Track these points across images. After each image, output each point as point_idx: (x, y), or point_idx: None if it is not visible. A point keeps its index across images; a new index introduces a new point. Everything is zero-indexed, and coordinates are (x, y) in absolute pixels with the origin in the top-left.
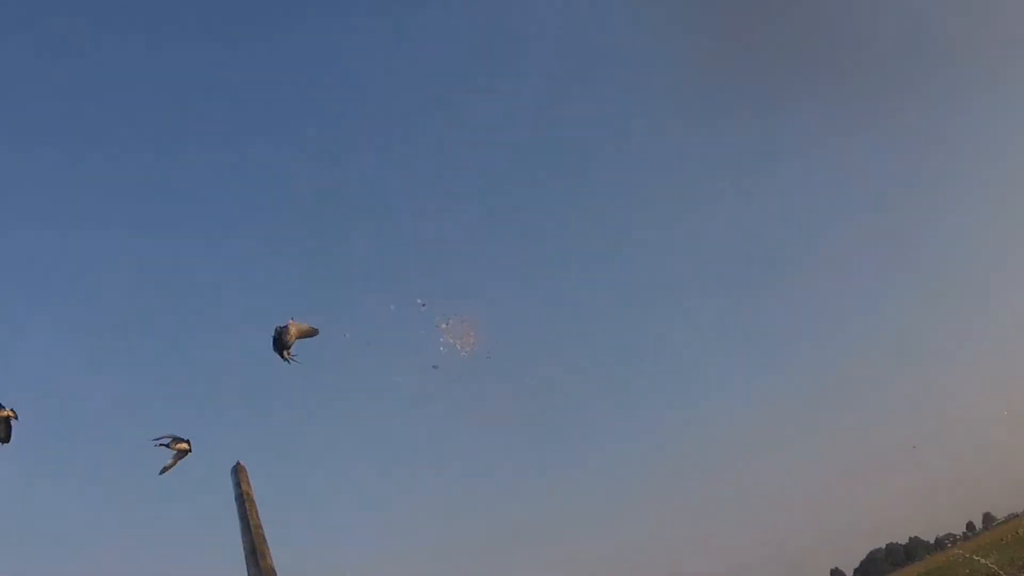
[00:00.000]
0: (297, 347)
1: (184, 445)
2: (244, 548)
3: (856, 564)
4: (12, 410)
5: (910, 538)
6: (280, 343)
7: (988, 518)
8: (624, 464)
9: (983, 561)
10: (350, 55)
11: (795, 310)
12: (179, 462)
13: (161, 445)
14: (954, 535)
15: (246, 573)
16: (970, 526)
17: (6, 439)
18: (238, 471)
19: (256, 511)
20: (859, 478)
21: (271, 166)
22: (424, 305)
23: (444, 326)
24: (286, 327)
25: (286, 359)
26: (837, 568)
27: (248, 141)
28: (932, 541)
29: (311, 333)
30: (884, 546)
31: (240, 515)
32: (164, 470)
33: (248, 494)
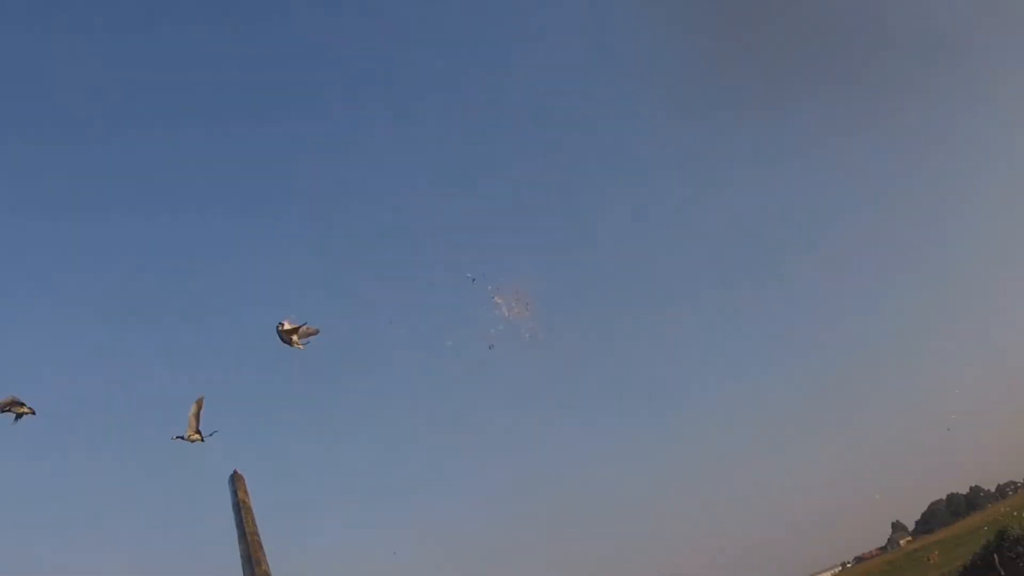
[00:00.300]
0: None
1: (198, 436)
2: (240, 555)
3: (917, 516)
4: (31, 407)
5: (971, 487)
6: (284, 339)
7: None
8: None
9: None
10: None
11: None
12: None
13: (178, 438)
14: (1015, 483)
15: None
16: None
17: None
18: (235, 479)
19: (253, 519)
20: (916, 436)
21: (285, 155)
22: (474, 280)
23: (498, 299)
24: (281, 326)
25: (296, 346)
26: (898, 521)
27: (260, 125)
28: (993, 489)
29: (311, 332)
30: (945, 497)
31: (237, 523)
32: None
33: (245, 502)
